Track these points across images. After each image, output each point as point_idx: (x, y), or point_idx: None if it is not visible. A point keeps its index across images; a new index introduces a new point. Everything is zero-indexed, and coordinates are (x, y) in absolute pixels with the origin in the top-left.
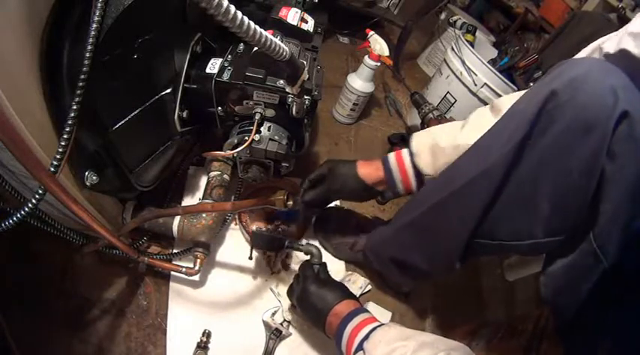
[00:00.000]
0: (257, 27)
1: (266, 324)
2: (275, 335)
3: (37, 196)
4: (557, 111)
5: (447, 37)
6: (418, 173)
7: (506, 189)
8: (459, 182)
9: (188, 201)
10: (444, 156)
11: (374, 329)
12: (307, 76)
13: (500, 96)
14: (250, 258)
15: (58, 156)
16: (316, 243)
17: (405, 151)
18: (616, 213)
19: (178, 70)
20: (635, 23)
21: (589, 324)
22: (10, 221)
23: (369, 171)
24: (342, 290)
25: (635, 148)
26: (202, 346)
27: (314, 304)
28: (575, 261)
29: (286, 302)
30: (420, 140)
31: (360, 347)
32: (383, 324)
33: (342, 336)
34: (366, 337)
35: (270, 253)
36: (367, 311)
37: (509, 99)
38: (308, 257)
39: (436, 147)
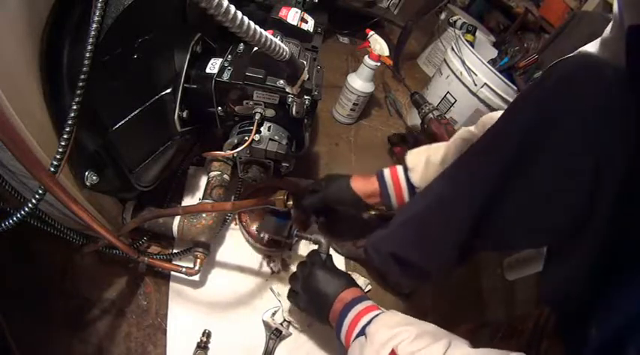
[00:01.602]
0: (257, 27)
1: (266, 324)
2: (275, 335)
3: (37, 196)
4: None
5: (447, 37)
6: (412, 188)
7: (504, 184)
8: (458, 178)
9: (188, 201)
10: (433, 168)
11: (377, 315)
12: (307, 76)
13: (500, 96)
14: (261, 240)
15: (58, 156)
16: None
17: (399, 167)
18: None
19: (178, 70)
20: (608, 29)
21: (591, 322)
22: (10, 221)
23: (362, 183)
24: (348, 279)
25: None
26: (202, 346)
27: (320, 289)
28: (577, 256)
29: (286, 302)
30: (415, 156)
31: (362, 332)
32: (387, 311)
33: (343, 321)
34: (369, 323)
35: (278, 238)
36: (371, 299)
37: (497, 115)
38: (311, 252)
39: (429, 162)
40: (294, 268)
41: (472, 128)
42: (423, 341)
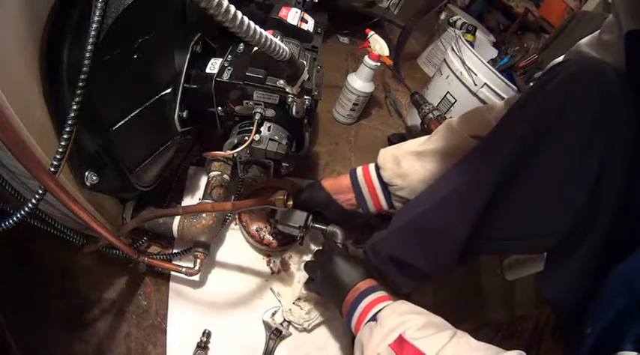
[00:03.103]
0: (257, 27)
1: (266, 324)
2: (275, 335)
3: (37, 196)
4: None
5: (447, 37)
6: (384, 185)
7: (505, 187)
8: (459, 181)
9: (188, 201)
10: (406, 162)
11: (389, 304)
12: (307, 75)
13: (500, 96)
14: (274, 232)
15: (58, 156)
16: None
17: (371, 165)
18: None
19: (178, 70)
20: (605, 29)
21: (586, 321)
22: (10, 221)
23: (332, 181)
24: (366, 269)
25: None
26: (202, 346)
27: (338, 277)
28: (577, 259)
29: (286, 302)
30: (385, 154)
31: (373, 318)
32: (398, 301)
33: (355, 309)
34: (380, 310)
35: (295, 228)
36: (384, 290)
37: (483, 107)
38: (327, 241)
39: (399, 155)
40: (294, 268)
41: (454, 123)
42: (429, 329)
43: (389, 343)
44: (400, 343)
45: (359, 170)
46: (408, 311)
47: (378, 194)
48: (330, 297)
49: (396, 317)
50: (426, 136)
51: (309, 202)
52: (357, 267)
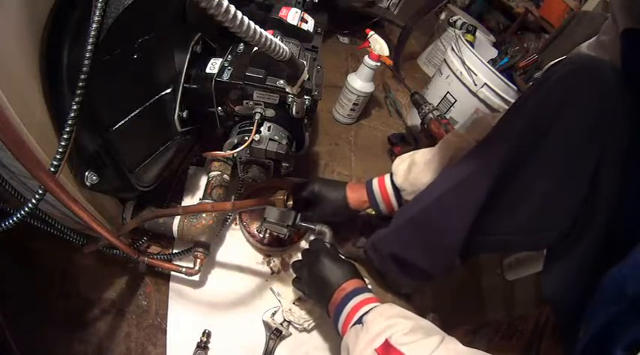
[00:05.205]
0: (257, 27)
1: (266, 324)
2: (275, 335)
3: (37, 196)
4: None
5: (447, 37)
6: (398, 193)
7: (504, 184)
8: (458, 178)
9: (188, 201)
10: (416, 169)
11: (376, 306)
12: (307, 75)
13: (500, 96)
14: (260, 231)
15: (58, 156)
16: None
17: (387, 175)
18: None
19: (178, 70)
20: (603, 30)
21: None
22: (10, 221)
23: (357, 196)
24: (353, 269)
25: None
26: (202, 346)
27: (324, 276)
28: (576, 257)
29: (286, 302)
30: (399, 160)
31: (359, 321)
32: (385, 304)
33: (342, 310)
34: (367, 312)
35: (282, 228)
36: (371, 291)
37: (489, 115)
38: (315, 240)
39: (412, 162)
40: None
41: (461, 131)
42: (417, 334)
43: (375, 348)
44: (386, 348)
45: (375, 183)
46: (395, 315)
47: (391, 199)
48: (317, 297)
49: (382, 321)
50: (434, 147)
51: (331, 216)
52: (344, 267)
